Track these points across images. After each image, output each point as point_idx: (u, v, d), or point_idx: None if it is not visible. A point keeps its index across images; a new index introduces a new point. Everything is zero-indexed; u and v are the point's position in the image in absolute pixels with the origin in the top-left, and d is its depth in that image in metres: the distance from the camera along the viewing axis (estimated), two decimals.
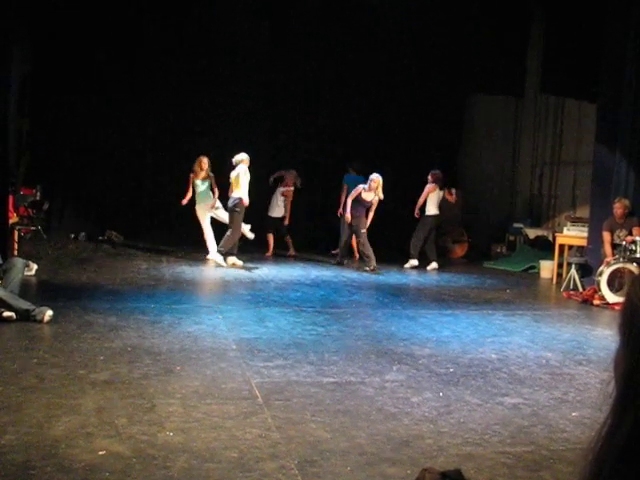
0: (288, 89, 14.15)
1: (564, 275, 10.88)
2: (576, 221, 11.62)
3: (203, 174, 11.48)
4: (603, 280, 8.98)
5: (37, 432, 3.80)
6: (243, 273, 10.55)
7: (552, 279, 11.35)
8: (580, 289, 9.99)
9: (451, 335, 6.90)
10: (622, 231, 9.47)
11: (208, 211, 11.51)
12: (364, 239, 11.44)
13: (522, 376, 5.52)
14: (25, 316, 6.35)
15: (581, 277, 10.21)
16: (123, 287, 8.67)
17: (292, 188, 12.77)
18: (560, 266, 11.33)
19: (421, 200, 12.12)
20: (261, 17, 13.69)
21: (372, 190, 11.31)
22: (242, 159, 11.17)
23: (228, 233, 11.09)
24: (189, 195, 11.51)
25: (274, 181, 12.90)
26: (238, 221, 11.09)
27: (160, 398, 4.48)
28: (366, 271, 11.22)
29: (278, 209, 12.65)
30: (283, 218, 12.67)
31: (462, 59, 13.36)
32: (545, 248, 12.71)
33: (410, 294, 9.88)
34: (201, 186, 11.50)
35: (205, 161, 11.48)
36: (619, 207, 9.49)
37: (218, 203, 11.50)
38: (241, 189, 10.98)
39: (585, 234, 10.78)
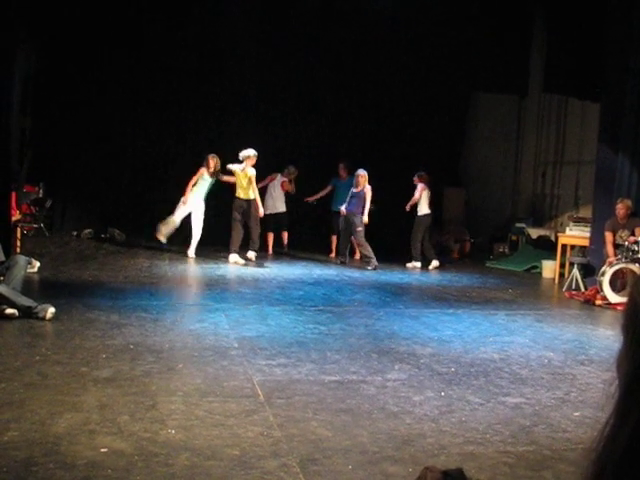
0: (289, 86, 14.13)
1: (566, 275, 10.88)
2: (578, 221, 11.60)
3: (212, 171, 11.53)
4: (605, 280, 8.97)
5: (39, 429, 3.81)
6: (245, 271, 10.56)
7: (554, 279, 11.35)
8: (582, 289, 9.99)
9: (453, 334, 6.90)
10: (624, 231, 9.46)
11: (198, 207, 11.59)
12: (360, 239, 11.48)
13: (524, 376, 5.52)
14: (27, 313, 6.36)
15: (583, 277, 10.21)
16: (125, 285, 8.68)
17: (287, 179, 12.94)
18: (562, 266, 11.32)
19: (416, 198, 12.17)
20: (262, 15, 13.67)
21: (361, 185, 11.55)
22: (249, 155, 11.25)
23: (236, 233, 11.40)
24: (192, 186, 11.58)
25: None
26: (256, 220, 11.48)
27: (162, 396, 4.49)
28: (368, 270, 11.23)
29: (280, 204, 12.74)
30: (285, 212, 12.81)
31: (465, 58, 13.33)
32: (547, 248, 12.70)
33: (412, 293, 9.88)
34: (208, 182, 11.54)
35: (212, 159, 11.53)
36: (622, 207, 9.48)
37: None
38: (255, 192, 11.26)
39: (587, 234, 10.77)
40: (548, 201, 14.36)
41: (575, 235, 11.20)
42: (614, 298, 8.89)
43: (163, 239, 11.62)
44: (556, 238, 12.04)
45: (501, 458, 3.81)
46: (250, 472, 3.42)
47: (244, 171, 11.23)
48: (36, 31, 11.40)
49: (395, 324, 7.26)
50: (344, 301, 8.55)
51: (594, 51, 10.77)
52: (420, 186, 12.22)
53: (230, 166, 11.42)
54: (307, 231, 13.85)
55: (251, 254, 11.46)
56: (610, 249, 9.47)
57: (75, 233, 13.19)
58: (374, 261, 11.29)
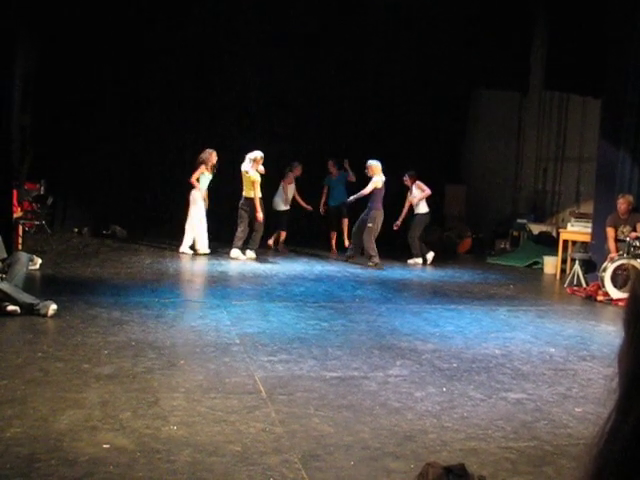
0: (291, 83, 14.12)
1: (568, 271, 10.87)
2: (580, 217, 11.59)
3: (211, 167, 11.58)
4: (607, 276, 8.97)
5: (42, 425, 3.82)
6: (247, 268, 10.57)
7: (556, 275, 11.34)
8: (584, 285, 9.98)
9: (454, 330, 6.90)
10: (626, 227, 9.46)
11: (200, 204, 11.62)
12: (368, 235, 11.36)
13: (525, 371, 5.53)
14: (29, 310, 6.38)
15: (585, 273, 10.20)
16: (127, 281, 8.69)
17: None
18: (564, 262, 11.31)
19: (423, 196, 12.16)
20: (262, 15, 13.65)
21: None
22: (255, 157, 11.30)
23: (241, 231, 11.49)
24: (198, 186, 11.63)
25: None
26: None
27: (164, 392, 4.50)
28: (369, 266, 11.22)
29: (286, 202, 12.77)
30: (288, 211, 12.83)
31: (466, 56, 13.31)
32: (549, 244, 12.69)
33: (413, 289, 9.89)
34: (208, 178, 11.59)
35: (212, 155, 11.59)
36: (623, 203, 9.48)
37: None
38: (256, 195, 11.27)
39: (589, 230, 10.76)
40: (549, 197, 14.35)
41: (576, 231, 11.19)
42: (616, 294, 8.89)
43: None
44: (557, 234, 12.03)
45: (503, 454, 3.81)
46: (252, 468, 3.43)
47: (249, 174, 11.30)
48: (36, 29, 11.41)
49: (397, 320, 7.26)
50: (346, 297, 8.55)
51: (595, 48, 10.74)
52: (418, 184, 12.21)
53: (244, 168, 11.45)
54: (306, 228, 13.84)
55: (250, 253, 11.44)
56: (612, 245, 9.46)
57: (76, 230, 13.21)
58: (376, 258, 11.28)
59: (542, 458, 3.81)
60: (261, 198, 11.47)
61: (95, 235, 12.94)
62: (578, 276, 10.19)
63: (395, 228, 12.11)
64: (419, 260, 12.17)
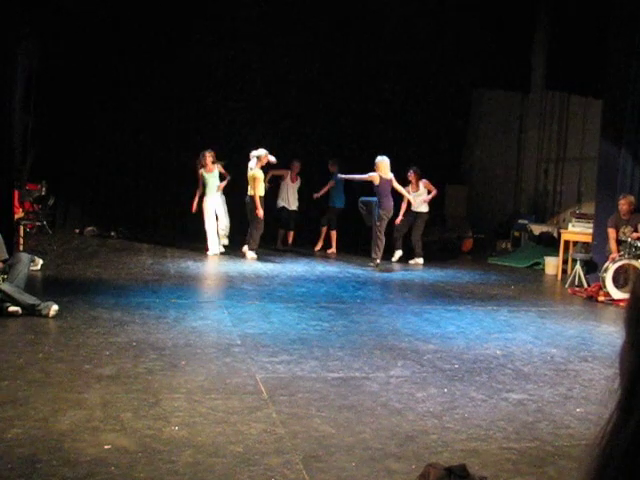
0: (291, 82, 14.13)
1: (569, 271, 10.86)
2: (581, 217, 11.58)
3: (211, 166, 11.61)
4: (608, 276, 8.96)
5: (43, 426, 3.82)
6: (248, 268, 10.57)
7: (557, 275, 11.33)
8: (585, 285, 9.98)
9: (456, 331, 6.90)
10: (627, 227, 9.45)
11: (216, 203, 11.64)
12: (377, 233, 11.23)
13: (527, 372, 5.52)
14: (31, 311, 6.38)
15: (586, 273, 10.19)
16: (128, 282, 8.69)
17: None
18: (565, 262, 11.30)
19: (432, 196, 12.22)
20: (262, 15, 13.66)
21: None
22: (259, 155, 11.32)
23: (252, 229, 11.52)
24: (199, 193, 11.64)
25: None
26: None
27: (165, 393, 4.50)
28: (370, 267, 11.22)
29: (294, 201, 12.80)
30: (297, 211, 12.88)
31: (468, 55, 13.33)
32: (550, 244, 12.69)
33: (415, 290, 9.88)
34: (211, 178, 11.61)
35: (210, 155, 11.60)
36: (624, 203, 9.47)
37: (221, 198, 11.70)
38: (256, 192, 11.26)
39: (590, 230, 10.75)
40: (550, 197, 14.35)
41: (578, 231, 11.18)
42: (617, 294, 8.89)
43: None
44: (559, 234, 12.02)
45: (504, 454, 3.81)
46: (253, 469, 3.43)
47: (253, 171, 11.33)
48: (39, 29, 11.42)
49: (398, 321, 7.26)
50: (347, 298, 8.55)
51: (596, 48, 10.74)
52: (425, 182, 12.23)
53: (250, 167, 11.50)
54: (309, 228, 13.86)
55: (250, 254, 11.42)
56: (613, 245, 9.46)
57: (78, 231, 13.21)
58: (378, 259, 11.26)
59: (543, 459, 3.81)
60: (262, 197, 11.46)
61: (96, 236, 12.94)
62: (579, 277, 10.18)
63: (397, 223, 12.16)
64: (420, 260, 12.18)
